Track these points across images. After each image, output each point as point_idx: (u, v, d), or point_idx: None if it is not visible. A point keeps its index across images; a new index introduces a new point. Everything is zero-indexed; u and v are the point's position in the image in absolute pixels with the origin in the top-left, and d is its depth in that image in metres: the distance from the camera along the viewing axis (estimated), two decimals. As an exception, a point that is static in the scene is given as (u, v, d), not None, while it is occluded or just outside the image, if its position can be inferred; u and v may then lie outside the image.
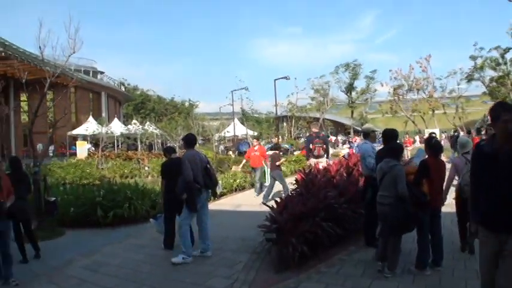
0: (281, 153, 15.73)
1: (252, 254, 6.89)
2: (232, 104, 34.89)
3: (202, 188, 6.80)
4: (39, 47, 10.17)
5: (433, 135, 11.42)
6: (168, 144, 40.12)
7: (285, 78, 34.28)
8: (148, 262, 6.91)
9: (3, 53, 28.46)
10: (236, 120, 39.60)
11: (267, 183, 13.58)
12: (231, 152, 32.26)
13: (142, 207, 10.25)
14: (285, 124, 52.80)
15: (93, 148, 34.11)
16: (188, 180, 6.60)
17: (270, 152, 15.18)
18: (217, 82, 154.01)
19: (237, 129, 37.68)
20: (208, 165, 7.03)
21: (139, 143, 34.83)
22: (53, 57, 11.29)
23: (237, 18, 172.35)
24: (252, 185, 14.99)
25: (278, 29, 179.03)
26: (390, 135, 6.35)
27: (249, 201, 12.61)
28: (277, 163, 12.62)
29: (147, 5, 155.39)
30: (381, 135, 7.18)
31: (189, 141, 7.25)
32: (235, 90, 33.92)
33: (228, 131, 38.35)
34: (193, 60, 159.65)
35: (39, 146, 23.47)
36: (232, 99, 34.64)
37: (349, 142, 38.10)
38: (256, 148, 14.86)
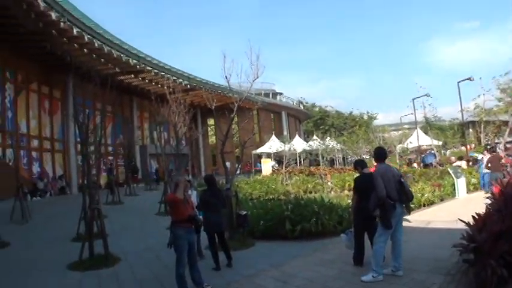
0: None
1: (446, 276, 6.36)
2: (414, 112, 33.20)
3: (396, 204, 6.50)
4: (225, 77, 11.09)
5: None
6: (352, 159, 40.08)
7: (468, 79, 31.48)
8: (337, 278, 6.85)
9: (188, 85, 32.17)
10: (418, 129, 37.61)
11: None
12: (415, 164, 30.74)
13: (329, 222, 10.30)
14: (470, 130, 48.45)
15: (277, 165, 35.69)
16: (381, 196, 6.36)
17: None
18: (393, 91, 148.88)
19: (420, 139, 35.73)
20: (401, 179, 6.69)
21: (320, 158, 35.34)
22: (238, 84, 12.19)
23: (401, 23, 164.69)
24: (442, 199, 14.08)
25: (452, 27, 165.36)
26: None
27: (439, 217, 11.81)
28: None
29: (314, 23, 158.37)
30: None
31: (380, 155, 7.02)
32: (416, 98, 32.24)
33: (410, 142, 36.64)
34: (367, 71, 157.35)
35: (227, 165, 25.41)
36: (413, 108, 32.99)
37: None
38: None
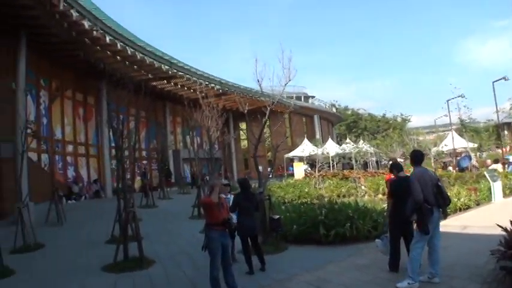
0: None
1: (482, 284, 6.15)
2: (449, 114, 32.43)
3: (433, 208, 6.28)
4: (257, 80, 11.12)
5: None
6: (385, 161, 39.54)
7: (503, 78, 30.55)
8: (372, 283, 6.76)
9: (220, 90, 32.41)
10: (453, 131, 36.76)
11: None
12: (451, 168, 30.03)
13: (363, 227, 10.19)
14: (506, 132, 47.03)
15: (309, 168, 35.52)
16: (418, 200, 6.18)
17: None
18: (428, 93, 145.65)
19: (455, 141, 34.92)
20: (439, 183, 6.48)
21: (354, 161, 35.01)
22: (270, 88, 12.19)
23: (435, 24, 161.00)
24: (478, 204, 13.68)
25: (484, 25, 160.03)
26: None
27: (476, 222, 11.44)
28: None
29: (345, 26, 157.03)
30: None
31: (416, 158, 6.82)
32: (450, 99, 31.50)
33: (445, 145, 35.85)
34: (400, 73, 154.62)
35: (260, 168, 25.53)
36: (448, 109, 32.21)
37: None
38: None
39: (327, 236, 9.96)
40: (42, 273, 8.94)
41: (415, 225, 6.60)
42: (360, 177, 24.02)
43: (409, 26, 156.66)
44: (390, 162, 15.96)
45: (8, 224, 15.08)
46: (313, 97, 63.82)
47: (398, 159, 29.03)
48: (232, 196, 8.67)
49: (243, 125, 44.90)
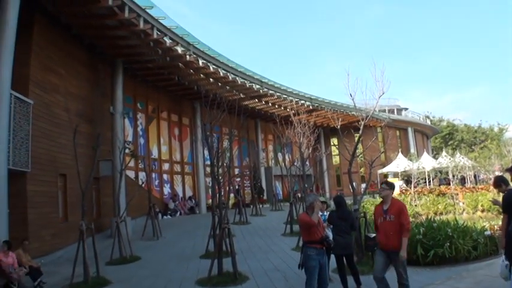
0: None
1: None
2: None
3: None
4: (350, 95, 11.04)
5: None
6: (484, 176, 37.09)
7: None
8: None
9: (310, 106, 32.49)
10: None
11: None
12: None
13: (463, 247, 9.69)
14: None
15: (405, 184, 34.34)
16: None
17: None
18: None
19: None
20: None
21: (451, 176, 33.34)
22: (363, 102, 12.05)
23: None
24: None
25: None
26: None
27: None
28: None
29: (435, 34, 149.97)
30: None
31: None
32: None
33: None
34: (495, 81, 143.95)
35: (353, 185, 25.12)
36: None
37: None
38: None
39: (425, 257, 9.58)
40: (137, 285, 9.44)
41: None
42: (457, 193, 22.89)
43: (502, 32, 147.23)
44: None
45: (105, 237, 16.22)
46: (406, 109, 61.73)
47: (496, 173, 27.25)
48: (327, 213, 8.63)
49: (335, 141, 44.56)
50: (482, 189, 23.78)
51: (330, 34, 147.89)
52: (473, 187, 28.95)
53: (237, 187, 28.33)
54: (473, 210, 19.35)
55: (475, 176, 39.34)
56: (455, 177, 33.10)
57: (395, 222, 6.32)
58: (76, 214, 14.11)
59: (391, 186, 6.97)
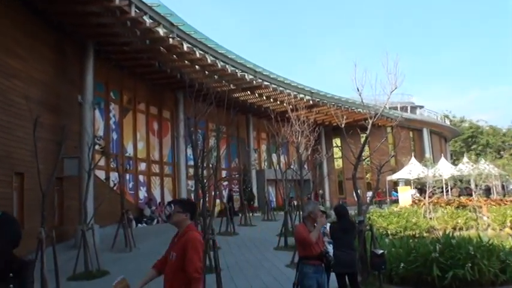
0: None
1: None
2: None
3: None
4: (357, 89, 10.99)
5: None
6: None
7: None
8: None
9: (310, 101, 32.44)
10: None
11: None
12: None
13: (489, 269, 9.60)
14: None
15: (418, 194, 34.40)
16: None
17: None
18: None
19: None
20: None
21: (473, 186, 33.45)
22: (373, 97, 12.00)
23: None
24: None
25: None
26: None
27: None
28: None
29: (457, 24, 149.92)
30: None
31: None
32: None
33: None
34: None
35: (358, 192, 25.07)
36: None
37: None
38: None
39: (442, 279, 9.51)
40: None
41: None
42: (481, 206, 22.94)
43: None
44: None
45: (69, 247, 16.02)
46: (421, 107, 61.97)
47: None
48: (328, 225, 8.57)
49: (338, 141, 44.58)
50: (511, 201, 23.85)
51: (336, 21, 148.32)
52: (501, 199, 29.03)
53: (230, 193, 28.15)
54: (500, 227, 19.38)
55: (502, 187, 39.46)
56: (479, 187, 33.21)
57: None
58: (34, 220, 13.84)
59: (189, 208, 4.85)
